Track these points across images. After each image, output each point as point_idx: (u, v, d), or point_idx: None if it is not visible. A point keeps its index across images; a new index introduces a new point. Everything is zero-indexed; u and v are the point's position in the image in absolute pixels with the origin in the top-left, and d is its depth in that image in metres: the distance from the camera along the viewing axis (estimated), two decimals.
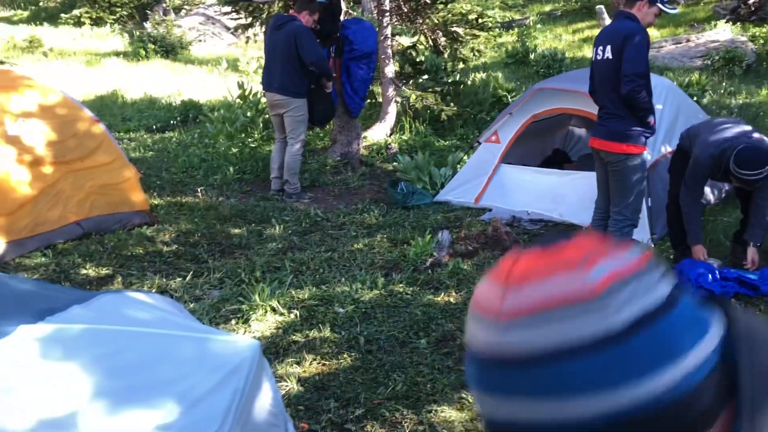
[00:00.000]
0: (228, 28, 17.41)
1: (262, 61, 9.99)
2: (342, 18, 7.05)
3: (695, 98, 7.92)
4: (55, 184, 4.96)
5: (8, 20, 18.49)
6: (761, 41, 11.47)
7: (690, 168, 4.10)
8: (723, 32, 12.19)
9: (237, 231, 5.45)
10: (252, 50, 13.87)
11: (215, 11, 18.15)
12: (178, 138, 8.59)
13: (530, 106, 5.88)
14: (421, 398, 3.19)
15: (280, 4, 7.34)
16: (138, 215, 5.43)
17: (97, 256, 4.76)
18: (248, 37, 8.42)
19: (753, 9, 12.88)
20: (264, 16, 7.58)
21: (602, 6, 15.21)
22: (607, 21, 14.80)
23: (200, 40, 16.46)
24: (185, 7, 17.79)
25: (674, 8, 4.14)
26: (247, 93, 9.00)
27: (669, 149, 5.26)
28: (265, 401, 1.68)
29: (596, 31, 14.75)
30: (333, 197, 6.63)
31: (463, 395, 3.20)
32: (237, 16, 8.13)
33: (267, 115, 8.38)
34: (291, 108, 6.31)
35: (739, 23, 12.83)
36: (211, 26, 17.40)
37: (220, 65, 13.29)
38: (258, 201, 6.32)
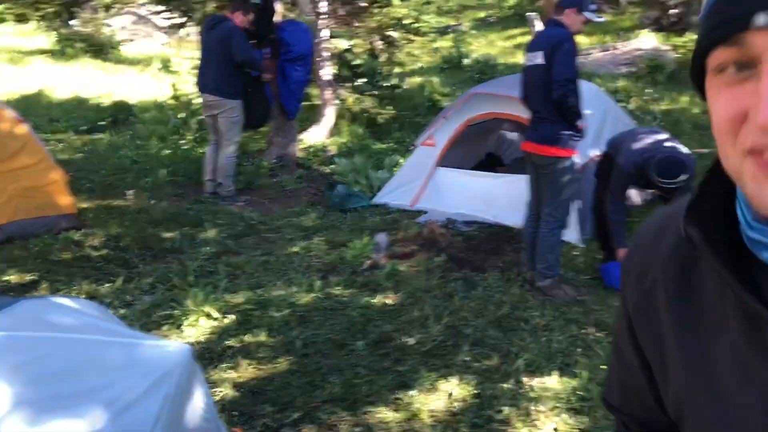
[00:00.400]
0: (160, 28, 17.02)
1: (195, 62, 9.84)
2: (278, 19, 6.99)
3: (621, 104, 8.23)
4: None
5: None
6: (682, 50, 12.01)
7: (614, 177, 4.25)
8: (647, 41, 12.69)
9: (169, 235, 5.33)
10: (185, 50, 13.61)
11: (147, 11, 17.72)
12: (108, 139, 8.33)
13: (465, 111, 5.98)
14: (357, 400, 3.19)
15: (213, 5, 7.23)
16: (65, 219, 5.23)
17: (21, 261, 4.57)
18: (181, 37, 8.24)
19: (675, 20, 13.47)
20: (198, 15, 7.45)
21: (533, 13, 15.60)
22: (538, 27, 15.21)
23: (131, 40, 16.02)
24: (115, 5, 17.27)
25: (601, 18, 4.30)
26: (179, 94, 8.83)
27: (597, 153, 5.43)
28: (197, 407, 1.65)
29: (528, 38, 15.14)
30: (269, 200, 6.56)
31: (399, 396, 3.22)
32: (170, 15, 7.96)
33: (201, 117, 8.25)
34: (225, 109, 6.22)
35: (662, 33, 13.39)
36: (142, 26, 16.96)
37: (152, 65, 12.99)
38: (191, 204, 6.20)
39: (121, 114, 9.45)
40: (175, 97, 8.98)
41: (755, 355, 0.63)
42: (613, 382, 0.90)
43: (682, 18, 13.54)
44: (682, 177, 3.88)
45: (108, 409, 1.42)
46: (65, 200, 5.31)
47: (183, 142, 7.77)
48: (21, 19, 16.49)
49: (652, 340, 0.76)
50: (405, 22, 7.98)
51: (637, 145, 4.17)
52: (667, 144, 4.17)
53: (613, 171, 4.27)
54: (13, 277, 4.39)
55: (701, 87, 0.62)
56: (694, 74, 0.63)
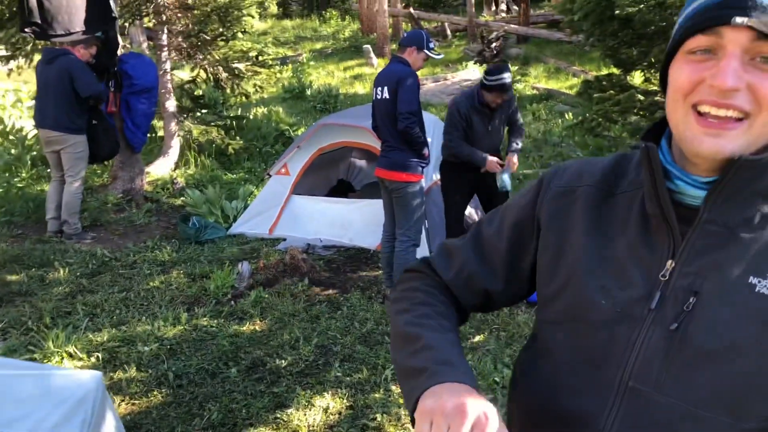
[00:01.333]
0: None
1: (21, 95, 9.29)
2: (120, 52, 6.86)
3: None
4: None
5: None
6: None
7: (446, 122, 4.82)
8: (473, 71, 13.80)
9: (14, 278, 5.04)
10: (6, 82, 12.68)
11: None
12: None
13: (316, 140, 6.25)
14: (237, 424, 3.29)
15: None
16: None
17: None
18: (11, 70, 7.78)
19: (495, 52, 14.77)
20: (29, 47, 7.10)
21: (369, 46, 16.36)
22: (374, 59, 15.97)
23: None
24: None
25: (439, 54, 4.76)
26: (9, 129, 8.31)
27: (438, 177, 5.93)
28: (109, 430, 1.72)
29: (365, 69, 15.79)
30: (118, 236, 6.38)
31: (278, 415, 3.36)
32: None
33: (35, 153, 7.82)
34: (69, 145, 6.00)
35: (484, 64, 14.63)
36: None
37: None
38: (34, 244, 5.89)
39: None
40: (3, 133, 8.42)
41: (644, 245, 0.97)
42: (454, 265, 1.18)
43: (501, 51, 14.88)
44: (506, 74, 4.58)
45: None
46: None
47: (17, 179, 7.31)
48: None
49: (554, 239, 1.07)
50: (250, 54, 8.14)
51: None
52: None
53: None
54: None
55: (665, 67, 0.97)
56: (666, 56, 0.97)
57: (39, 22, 5.85)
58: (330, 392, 3.55)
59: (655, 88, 5.84)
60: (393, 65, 4.51)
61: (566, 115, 10.09)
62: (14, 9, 7.06)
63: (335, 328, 4.30)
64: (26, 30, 6.00)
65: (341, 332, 4.25)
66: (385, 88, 4.42)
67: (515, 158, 4.92)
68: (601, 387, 0.97)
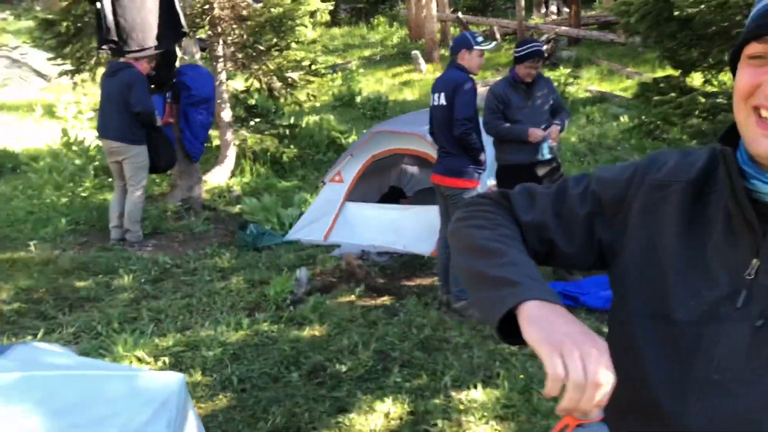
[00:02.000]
0: (37, 72, 16.35)
1: (81, 107, 9.62)
2: (178, 64, 7.07)
3: None
4: None
5: None
6: (556, 83, 13.08)
7: (483, 110, 4.84)
8: None
9: (83, 284, 5.23)
10: (66, 94, 13.16)
11: (21, 54, 16.98)
12: None
13: (370, 148, 6.31)
14: (301, 428, 3.34)
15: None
16: None
17: None
18: (75, 83, 8.09)
19: (546, 55, 14.64)
20: (92, 62, 7.38)
21: (417, 51, 16.40)
22: (423, 65, 16.01)
23: (5, 85, 15.28)
24: None
25: (490, 44, 4.72)
26: (72, 140, 8.61)
27: (492, 182, 5.91)
28: (191, 430, 1.78)
29: (414, 75, 15.82)
30: (178, 243, 6.55)
31: (340, 420, 3.40)
32: (61, 62, 7.81)
33: (98, 162, 8.09)
34: (130, 155, 6.21)
35: None
36: (17, 70, 16.22)
37: (34, 111, 12.46)
38: (98, 252, 6.09)
39: (7, 163, 9.05)
40: (67, 144, 8.73)
41: (729, 245, 1.00)
42: (532, 209, 1.18)
43: (552, 53, 14.72)
44: (533, 44, 4.76)
45: None
46: None
47: (81, 189, 7.58)
48: None
49: (645, 233, 1.08)
50: (303, 63, 8.27)
51: None
52: None
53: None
54: None
55: (734, 66, 1.00)
56: (731, 58, 1.00)
57: (116, 39, 6.11)
58: (390, 397, 3.57)
59: (716, 90, 5.71)
60: (449, 71, 4.52)
61: (621, 118, 9.92)
62: (79, 26, 7.36)
63: (393, 334, 4.32)
64: (103, 47, 6.27)
65: (399, 338, 4.27)
66: (442, 95, 4.44)
67: (557, 129, 4.90)
68: (686, 381, 0.99)
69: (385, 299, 4.94)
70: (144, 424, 1.60)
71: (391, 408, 3.49)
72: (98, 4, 6.07)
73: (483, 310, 1.00)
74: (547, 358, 0.88)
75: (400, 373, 3.84)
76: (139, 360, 3.89)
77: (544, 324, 0.92)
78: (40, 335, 4.20)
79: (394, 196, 7.23)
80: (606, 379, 0.86)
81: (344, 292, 5.01)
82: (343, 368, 3.90)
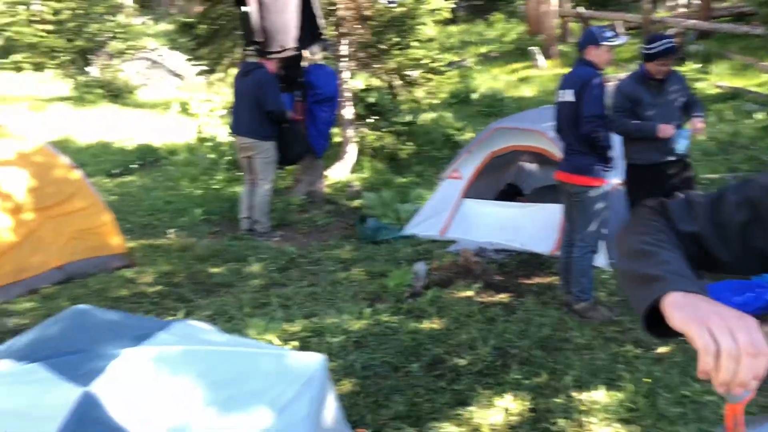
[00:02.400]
0: (173, 72, 17.51)
1: (214, 105, 10.23)
2: (305, 64, 7.36)
3: None
4: (36, 230, 5.02)
5: None
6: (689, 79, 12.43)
7: (612, 108, 4.70)
8: None
9: (216, 270, 5.60)
10: (200, 93, 14.04)
11: (159, 55, 18.25)
12: (139, 182, 8.65)
13: (489, 144, 6.30)
14: (422, 417, 3.43)
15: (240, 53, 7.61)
16: (117, 258, 5.52)
17: (84, 298, 4.82)
18: (211, 83, 8.64)
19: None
20: (226, 62, 7.84)
21: (535, 47, 16.10)
22: (541, 61, 15.69)
23: (145, 84, 16.49)
24: (128, 51, 17.78)
25: (618, 39, 4.58)
26: (206, 136, 9.17)
27: (618, 181, 5.74)
28: (331, 409, 1.91)
29: (532, 71, 15.51)
30: (303, 235, 6.85)
31: (459, 412, 3.46)
32: (198, 63, 8.36)
33: (229, 157, 8.58)
34: (260, 151, 6.54)
35: None
36: (155, 70, 17.45)
37: (170, 109, 13.39)
38: (230, 241, 6.48)
39: (148, 156, 9.79)
40: (201, 140, 9.33)
41: None
42: (691, 219, 1.19)
43: (680, 47, 13.99)
44: (665, 40, 4.57)
45: (270, 410, 1.68)
46: (116, 240, 5.60)
47: (213, 182, 8.08)
48: (38, 67, 16.97)
49: None
50: (423, 62, 8.38)
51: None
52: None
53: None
54: None
55: None
56: None
57: (261, 41, 6.51)
58: (510, 394, 3.59)
59: None
60: (578, 68, 4.45)
61: (756, 115, 9.30)
62: (214, 28, 7.84)
63: (511, 332, 4.32)
64: (249, 48, 6.71)
65: (517, 336, 4.27)
66: (569, 91, 4.37)
67: (700, 121, 4.69)
68: None
69: (503, 296, 4.94)
70: (290, 401, 1.73)
71: (511, 404, 3.50)
72: (245, 8, 6.47)
73: (634, 306, 1.04)
74: (695, 334, 0.89)
75: (519, 370, 3.84)
76: (270, 343, 4.12)
77: (688, 308, 0.93)
78: (180, 316, 4.54)
79: (510, 193, 7.17)
80: (760, 347, 0.86)
81: (462, 288, 5.05)
82: (463, 362, 3.95)
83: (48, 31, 16.95)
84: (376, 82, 9.22)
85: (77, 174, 5.60)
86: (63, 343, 1.75)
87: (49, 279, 5.01)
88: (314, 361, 1.87)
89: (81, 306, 1.96)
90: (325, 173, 8.28)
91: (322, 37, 6.83)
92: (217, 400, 1.63)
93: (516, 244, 6.01)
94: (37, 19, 17.31)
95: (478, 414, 3.43)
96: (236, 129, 6.69)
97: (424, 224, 6.52)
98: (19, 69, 16.97)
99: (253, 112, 6.48)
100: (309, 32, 6.74)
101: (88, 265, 5.29)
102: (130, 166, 9.41)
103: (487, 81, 15.65)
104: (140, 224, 6.97)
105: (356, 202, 7.64)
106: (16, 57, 17.29)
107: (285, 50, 6.58)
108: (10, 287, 4.77)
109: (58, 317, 1.90)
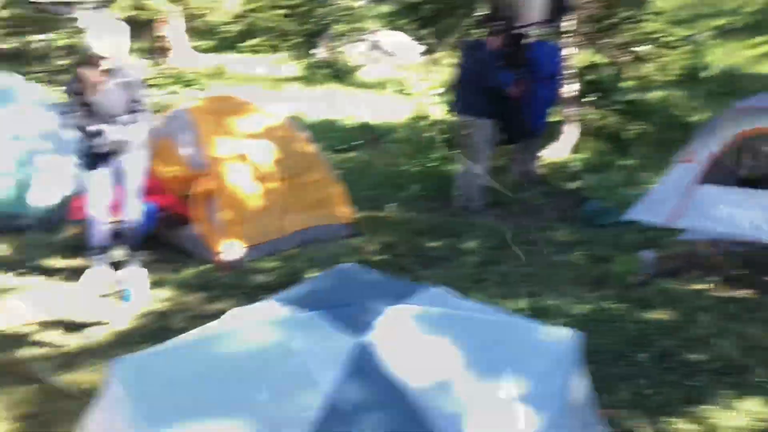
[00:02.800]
0: (389, 53, 18.17)
1: (431, 84, 10.43)
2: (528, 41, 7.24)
3: None
4: (281, 197, 5.54)
5: (195, 49, 20.42)
6: None
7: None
8: None
9: (434, 244, 5.78)
10: (416, 73, 14.44)
11: (377, 37, 19.04)
12: (361, 157, 9.14)
13: (732, 126, 5.73)
14: (650, 409, 3.27)
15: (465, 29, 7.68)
16: (345, 227, 5.91)
17: (318, 262, 5.24)
18: (433, 61, 8.86)
19: None
20: (449, 41, 7.97)
21: None
22: None
23: (366, 65, 17.31)
24: (349, 34, 18.77)
25: None
26: (423, 115, 9.42)
27: None
28: (582, 387, 1.90)
29: None
30: (516, 214, 6.79)
31: (692, 409, 3.25)
32: (426, 41, 8.59)
33: (446, 135, 8.74)
34: (478, 128, 6.59)
35: None
36: (374, 52, 18.24)
37: (387, 89, 13.95)
38: (446, 217, 6.63)
39: (368, 134, 10.30)
40: (417, 118, 9.61)
41: None
42: None
43: None
44: None
45: (527, 379, 1.71)
46: (345, 211, 6.00)
47: (429, 159, 8.29)
48: (273, 50, 18.58)
49: None
50: (656, 36, 7.82)
51: None
52: None
53: None
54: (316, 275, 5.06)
55: None
56: None
57: (506, 15, 6.57)
58: (755, 398, 3.29)
59: None
60: None
61: None
62: (439, 7, 8.00)
63: (754, 331, 3.95)
64: (489, 24, 6.84)
65: (762, 336, 3.89)
66: None
67: None
68: None
69: (744, 292, 4.53)
70: (542, 374, 1.75)
71: (754, 407, 3.22)
72: None
73: None
74: None
75: (765, 373, 3.51)
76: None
77: None
78: None
79: (754, 180, 6.48)
80: None
81: (694, 280, 4.71)
82: (698, 358, 3.70)
83: (285, 15, 18.45)
84: (598, 58, 8.79)
85: (313, 148, 6.07)
86: (333, 296, 1.93)
87: (289, 243, 5.52)
88: (568, 336, 1.86)
89: (345, 265, 2.14)
90: (541, 153, 8.11)
91: (570, 10, 6.71)
92: (475, 363, 1.70)
93: (764, 236, 5.42)
94: (276, 5, 18.90)
95: (716, 414, 3.19)
96: (455, 107, 6.80)
97: (650, 210, 6.10)
98: (256, 52, 18.69)
99: (473, 90, 6.54)
100: (555, 7, 6.65)
101: (321, 232, 5.73)
102: (353, 143, 9.96)
103: (722, 57, 14.22)
104: (364, 197, 7.37)
105: (574, 184, 7.40)
106: (253, 41, 19.05)
107: (530, 25, 6.57)
108: (260, 247, 5.33)
109: (325, 273, 2.10)
